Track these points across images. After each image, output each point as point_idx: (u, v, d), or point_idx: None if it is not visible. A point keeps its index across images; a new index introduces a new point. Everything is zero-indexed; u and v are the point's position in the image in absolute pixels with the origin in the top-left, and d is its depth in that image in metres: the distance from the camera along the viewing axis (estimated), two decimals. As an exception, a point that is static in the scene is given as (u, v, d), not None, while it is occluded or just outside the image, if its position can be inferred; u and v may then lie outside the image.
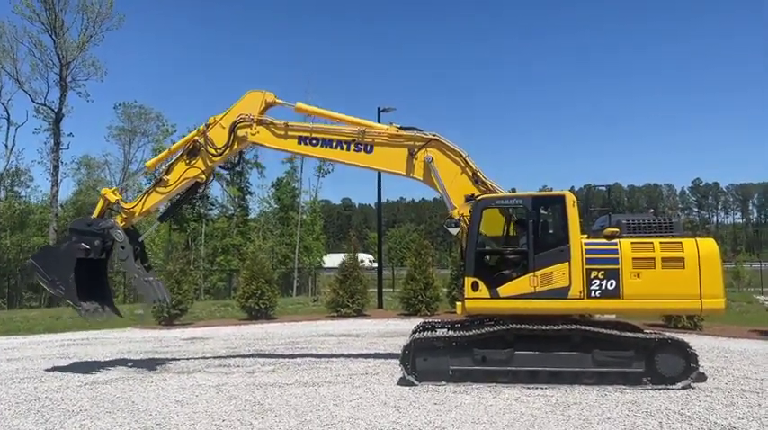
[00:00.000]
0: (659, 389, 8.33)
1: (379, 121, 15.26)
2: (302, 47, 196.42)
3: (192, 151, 10.87)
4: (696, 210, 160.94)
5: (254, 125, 10.77)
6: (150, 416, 7.49)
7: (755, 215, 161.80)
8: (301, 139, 10.78)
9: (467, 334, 8.97)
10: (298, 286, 41.74)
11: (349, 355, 11.90)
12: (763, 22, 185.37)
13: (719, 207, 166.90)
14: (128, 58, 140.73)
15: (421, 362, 8.97)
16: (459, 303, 9.49)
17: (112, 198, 10.89)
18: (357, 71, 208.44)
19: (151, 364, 11.31)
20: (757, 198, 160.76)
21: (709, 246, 8.78)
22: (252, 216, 51.13)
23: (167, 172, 10.91)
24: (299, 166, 46.05)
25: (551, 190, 11.52)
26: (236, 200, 49.15)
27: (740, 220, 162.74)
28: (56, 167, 38.00)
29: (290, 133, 10.82)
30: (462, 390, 8.51)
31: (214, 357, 12.10)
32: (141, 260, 11.02)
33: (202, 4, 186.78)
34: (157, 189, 10.92)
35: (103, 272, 11.33)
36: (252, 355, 12.21)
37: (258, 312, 19.93)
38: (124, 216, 10.83)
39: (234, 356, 12.17)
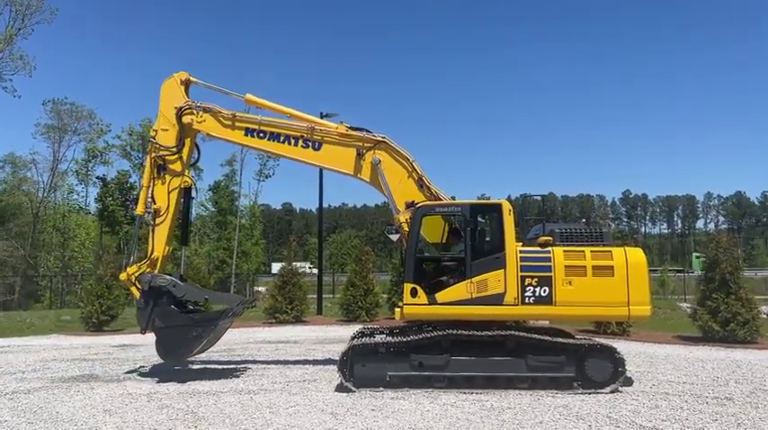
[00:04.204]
0: (589, 394, 8.62)
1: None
2: (240, 48, 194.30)
3: (159, 169, 10.61)
4: (626, 220, 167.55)
5: (201, 112, 10.58)
6: (76, 426, 7.18)
7: (680, 226, 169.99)
8: (248, 131, 10.65)
9: (404, 340, 9.03)
10: (235, 292, 40.91)
11: (286, 362, 11.77)
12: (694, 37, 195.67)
13: (647, 218, 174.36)
14: (61, 55, 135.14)
15: (359, 369, 8.97)
16: (397, 309, 9.54)
17: (132, 271, 10.53)
18: (299, 76, 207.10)
19: (78, 372, 10.87)
20: (681, 210, 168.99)
21: (636, 255, 9.17)
22: (188, 219, 49.84)
23: (154, 202, 10.55)
24: (239, 170, 45.31)
25: (489, 198, 11.77)
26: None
27: (666, 231, 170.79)
28: (-23, 165, 36.08)
29: (237, 124, 10.67)
30: (400, 396, 8.55)
31: (146, 365, 11.71)
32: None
33: (139, 5, 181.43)
34: (157, 222, 10.58)
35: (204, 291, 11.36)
36: (185, 363, 11.88)
37: (193, 318, 19.39)
38: (151, 269, 10.45)
39: (167, 363, 11.80)
